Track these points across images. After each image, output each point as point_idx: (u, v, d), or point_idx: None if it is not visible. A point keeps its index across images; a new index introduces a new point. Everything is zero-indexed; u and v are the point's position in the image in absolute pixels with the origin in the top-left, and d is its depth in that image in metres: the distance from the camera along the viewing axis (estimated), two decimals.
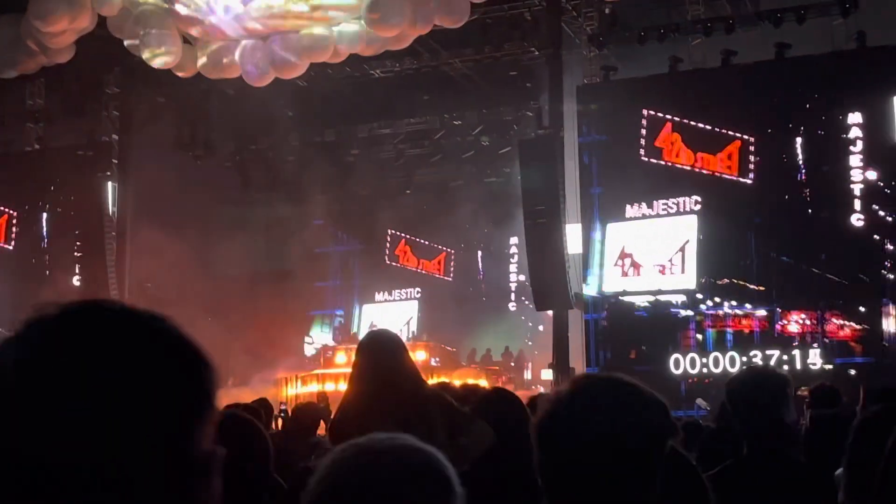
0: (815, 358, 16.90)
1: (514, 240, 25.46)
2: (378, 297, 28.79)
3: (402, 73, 21.68)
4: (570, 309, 17.98)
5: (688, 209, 18.26)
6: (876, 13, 17.39)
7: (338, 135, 24.53)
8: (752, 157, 18.05)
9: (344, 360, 22.98)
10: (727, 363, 17.20)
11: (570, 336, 18.01)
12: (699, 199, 18.27)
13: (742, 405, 3.62)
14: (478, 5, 17.44)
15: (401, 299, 28.65)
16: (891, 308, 16.86)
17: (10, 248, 23.37)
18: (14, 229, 23.46)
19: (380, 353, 4.73)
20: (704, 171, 18.32)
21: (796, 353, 17.05)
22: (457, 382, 8.42)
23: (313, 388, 21.05)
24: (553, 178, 17.88)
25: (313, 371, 22.52)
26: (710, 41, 18.57)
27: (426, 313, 27.68)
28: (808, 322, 17.41)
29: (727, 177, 18.20)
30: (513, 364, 24.11)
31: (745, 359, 17.01)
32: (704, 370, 17.46)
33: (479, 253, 27.95)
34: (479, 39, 20.25)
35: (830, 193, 17.38)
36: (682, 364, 17.62)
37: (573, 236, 18.32)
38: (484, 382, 17.39)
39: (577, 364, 17.71)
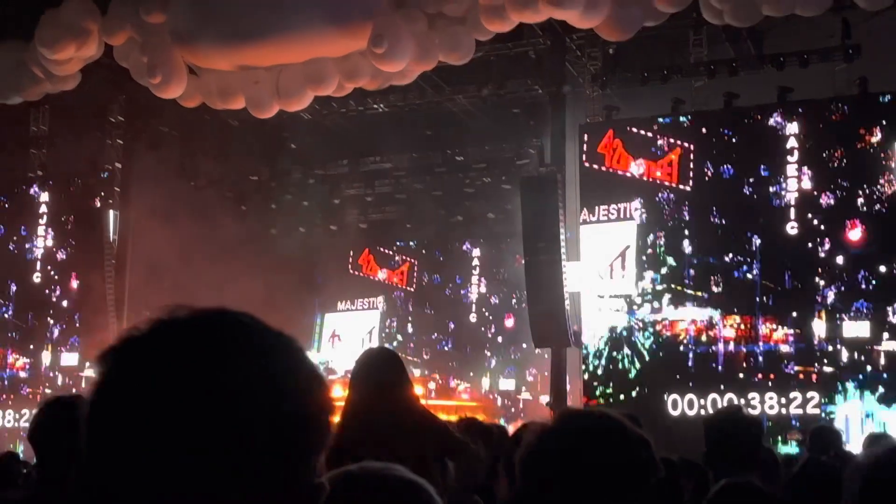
0: None
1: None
2: (340, 306, 28.77)
3: (406, 108, 21.79)
4: (568, 346, 17.96)
5: (628, 216, 18.62)
6: (877, 60, 17.51)
7: (339, 168, 24.61)
8: (691, 165, 18.38)
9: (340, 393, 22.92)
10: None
11: (569, 374, 18.00)
12: (641, 201, 18.63)
13: (718, 443, 3.67)
14: (482, 43, 17.56)
15: (363, 308, 28.64)
16: (822, 314, 17.28)
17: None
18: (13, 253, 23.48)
19: (375, 368, 4.74)
20: (645, 179, 18.66)
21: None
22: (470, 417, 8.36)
23: None
24: (553, 215, 17.92)
25: None
26: (712, 83, 18.70)
27: (388, 323, 27.90)
28: (742, 326, 17.76)
29: (667, 184, 18.50)
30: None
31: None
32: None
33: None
34: (482, 76, 20.38)
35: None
36: (679, 404, 17.60)
37: (573, 274, 18.31)
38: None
39: (577, 402, 17.68)
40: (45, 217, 23.05)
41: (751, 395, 17.17)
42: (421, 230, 26.48)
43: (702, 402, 17.51)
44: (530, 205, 18.29)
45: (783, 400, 17.10)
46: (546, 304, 17.74)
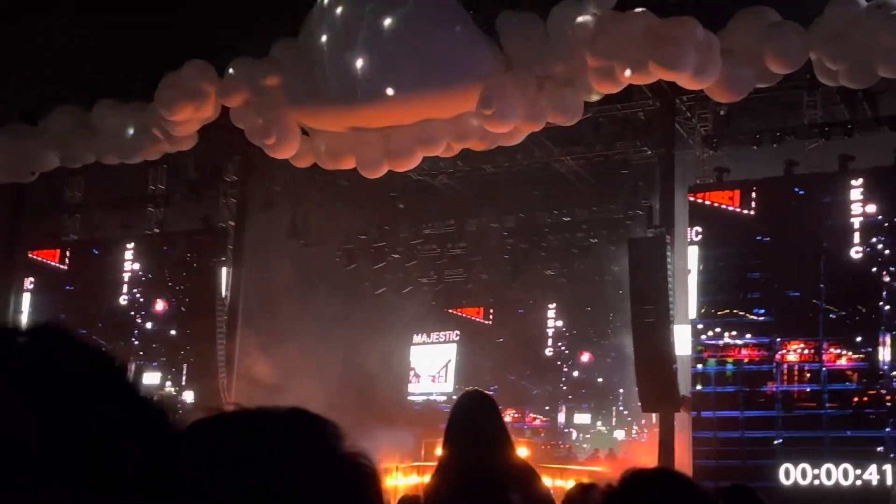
0: None
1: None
2: (416, 339, 28.73)
3: (513, 169, 21.86)
4: (677, 411, 17.62)
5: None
6: None
7: (447, 227, 24.77)
8: (754, 194, 18.23)
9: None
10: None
11: (677, 438, 17.63)
12: (699, 229, 18.39)
13: None
14: (591, 104, 17.58)
15: (439, 342, 28.56)
16: (887, 338, 16.80)
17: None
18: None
19: (473, 419, 4.65)
20: (705, 202, 18.55)
21: None
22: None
23: (413, 479, 20.95)
24: (662, 277, 17.70)
25: (413, 463, 22.42)
26: (826, 144, 18.38)
27: (464, 357, 27.78)
28: (806, 352, 17.44)
29: (728, 208, 18.24)
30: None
31: None
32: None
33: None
34: (591, 137, 20.37)
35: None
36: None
37: (682, 337, 18.03)
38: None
39: (684, 469, 17.25)
40: (158, 271, 23.63)
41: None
42: (521, 291, 26.44)
43: (815, 471, 16.96)
44: (638, 266, 18.10)
45: None
46: (654, 367, 17.48)
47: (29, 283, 25.02)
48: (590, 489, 5.92)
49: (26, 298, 25.02)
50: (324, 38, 17.11)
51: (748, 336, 18.02)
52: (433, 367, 28.98)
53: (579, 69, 16.26)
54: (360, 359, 23.94)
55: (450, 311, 28.98)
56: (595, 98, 17.06)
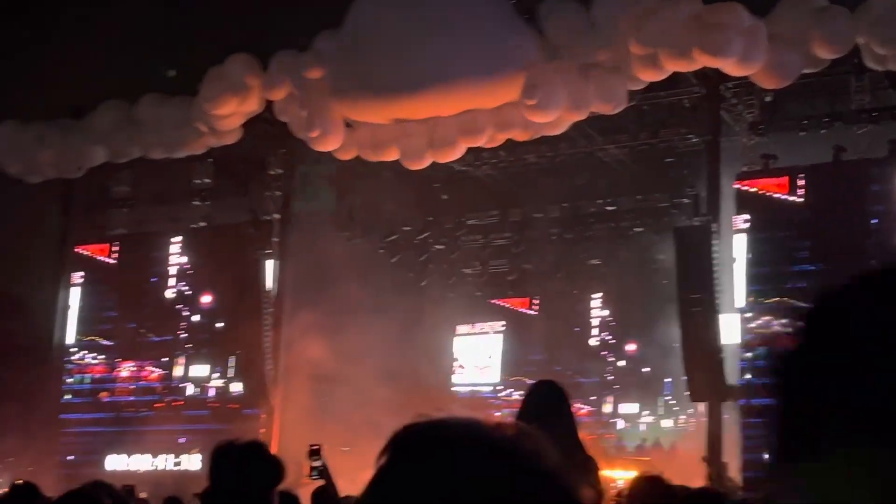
0: None
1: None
2: (461, 329, 28.67)
3: (557, 158, 21.75)
4: (725, 400, 17.48)
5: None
6: None
7: (490, 218, 24.71)
8: (801, 181, 18.12)
9: None
10: None
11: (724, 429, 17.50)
12: (747, 217, 18.21)
13: None
14: (635, 92, 17.46)
15: (483, 333, 28.49)
16: None
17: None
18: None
19: (542, 404, 4.60)
20: (752, 189, 18.38)
21: None
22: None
23: None
24: (709, 266, 17.56)
25: None
26: (875, 129, 18.11)
27: (509, 347, 27.71)
28: None
29: (775, 195, 18.06)
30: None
31: None
32: None
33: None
34: (635, 126, 20.22)
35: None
36: None
37: (730, 326, 17.87)
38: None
39: (732, 460, 17.15)
40: (205, 264, 23.79)
41: None
42: (567, 281, 26.33)
43: None
44: (684, 255, 17.98)
45: None
46: (702, 356, 17.35)
47: (78, 277, 25.29)
48: (653, 481, 5.76)
49: (75, 293, 25.30)
50: (367, 30, 17.13)
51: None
52: (478, 357, 28.94)
53: (623, 57, 16.15)
54: (404, 350, 23.96)
55: (494, 301, 28.91)
56: (639, 86, 16.93)
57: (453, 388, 29.01)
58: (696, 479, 18.38)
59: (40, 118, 22.61)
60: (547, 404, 4.64)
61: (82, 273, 25.26)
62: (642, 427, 26.75)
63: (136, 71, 22.38)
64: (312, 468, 5.53)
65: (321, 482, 5.66)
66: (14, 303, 25.38)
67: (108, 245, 25.18)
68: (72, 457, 23.47)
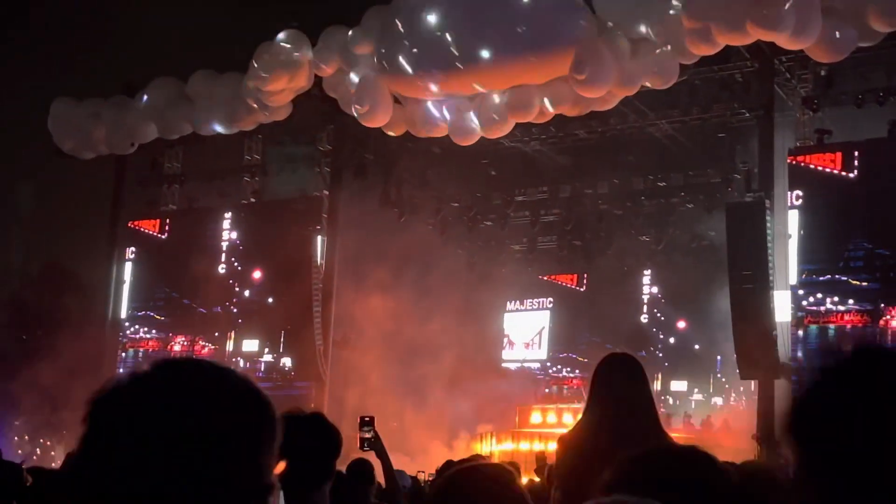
0: None
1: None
2: (510, 306, 28.65)
3: (607, 134, 21.59)
4: (776, 378, 17.33)
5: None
6: None
7: (540, 194, 24.61)
8: (856, 156, 17.85)
9: (539, 419, 22.87)
10: None
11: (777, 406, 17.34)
12: (800, 193, 18.04)
13: None
14: (687, 66, 17.25)
15: (532, 309, 28.45)
16: None
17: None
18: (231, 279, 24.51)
19: (616, 382, 4.14)
20: (806, 165, 18.21)
21: None
22: None
23: (508, 446, 21.01)
24: (761, 242, 17.38)
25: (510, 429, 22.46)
26: None
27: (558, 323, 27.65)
28: None
29: (829, 170, 17.85)
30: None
31: None
32: None
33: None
34: (687, 101, 19.99)
35: None
36: None
37: (781, 303, 17.69)
38: None
39: None
40: (255, 239, 23.96)
41: None
42: (616, 258, 26.21)
43: None
44: (736, 231, 17.81)
45: None
46: (753, 333, 17.21)
47: (130, 252, 25.60)
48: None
49: (128, 268, 25.62)
50: (416, 6, 17.08)
51: (850, 302, 17.61)
52: (527, 333, 28.96)
53: (674, 31, 15.95)
54: (453, 326, 24.03)
55: (543, 277, 28.88)
56: (691, 60, 16.72)
57: (503, 364, 29.06)
58: (747, 457, 18.27)
59: (94, 95, 22.86)
60: (621, 381, 4.21)
61: (134, 248, 25.58)
62: (692, 406, 26.65)
63: (187, 48, 22.54)
64: (364, 439, 5.49)
65: (369, 453, 5.63)
66: (70, 277, 25.77)
67: (159, 220, 25.46)
68: None
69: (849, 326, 17.53)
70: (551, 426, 21.53)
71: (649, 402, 4.15)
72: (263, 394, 1.46)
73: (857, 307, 17.56)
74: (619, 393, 4.11)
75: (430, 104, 18.22)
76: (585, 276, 28.52)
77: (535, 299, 29.24)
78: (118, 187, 25.65)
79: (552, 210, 25.05)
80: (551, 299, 29.06)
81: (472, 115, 17.95)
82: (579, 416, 4.48)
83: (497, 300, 28.47)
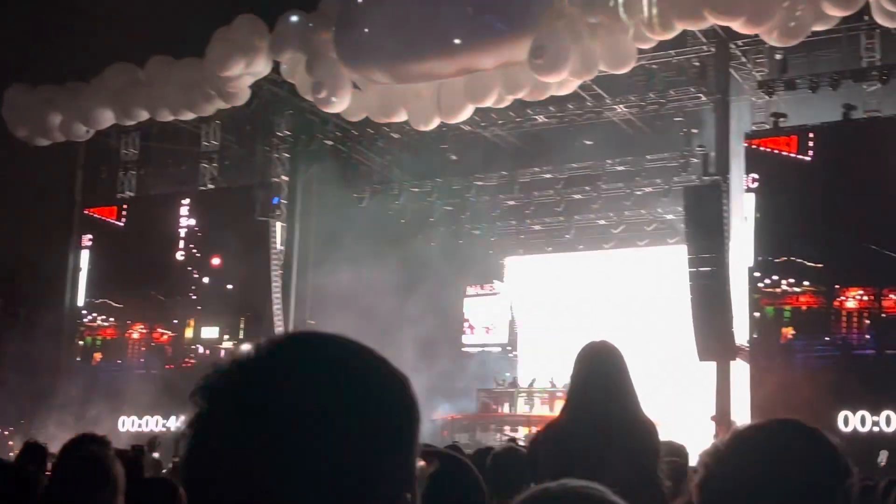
0: None
1: None
2: (470, 291, 28.81)
3: (565, 119, 21.68)
4: (733, 360, 17.53)
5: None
6: None
7: (500, 178, 24.66)
8: (811, 140, 18.09)
9: (502, 406, 22.98)
10: None
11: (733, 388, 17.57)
12: (756, 176, 18.24)
13: None
14: (644, 51, 17.35)
15: (492, 293, 28.63)
16: None
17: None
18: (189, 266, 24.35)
19: (595, 371, 4.18)
20: (762, 148, 18.39)
21: None
22: None
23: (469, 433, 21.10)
24: (718, 225, 17.54)
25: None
26: (885, 88, 18.00)
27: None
28: (865, 298, 17.33)
29: (785, 154, 18.09)
30: None
31: None
32: None
33: None
34: (643, 85, 20.10)
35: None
36: None
37: (738, 285, 17.88)
38: None
39: (741, 420, 17.21)
40: (214, 226, 23.83)
41: None
42: (576, 240, 26.32)
43: (875, 418, 16.84)
44: (694, 214, 17.95)
45: None
46: (710, 316, 17.38)
47: (87, 240, 25.37)
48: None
49: (85, 255, 25.39)
50: None
51: (806, 283, 17.83)
52: (487, 318, 29.00)
53: (632, 16, 16.01)
54: (414, 310, 24.04)
55: (503, 262, 28.94)
56: (648, 45, 16.82)
57: (464, 349, 29.10)
58: (706, 438, 18.50)
59: (49, 81, 22.60)
60: (601, 369, 4.24)
61: (91, 236, 25.35)
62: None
63: (144, 34, 22.31)
64: None
65: None
66: (26, 265, 25.50)
67: (116, 208, 25.23)
68: (84, 418, 23.65)
69: (804, 307, 17.77)
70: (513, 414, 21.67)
71: (627, 387, 4.19)
72: (403, 375, 1.32)
73: (812, 289, 17.78)
74: (597, 381, 4.14)
75: (387, 89, 18.20)
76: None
77: (496, 283, 29.29)
78: (73, 174, 25.39)
79: (512, 194, 25.10)
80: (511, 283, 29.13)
81: (431, 101, 17.94)
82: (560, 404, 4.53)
83: (458, 285, 28.48)
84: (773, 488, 1.91)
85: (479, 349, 29.14)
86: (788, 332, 17.83)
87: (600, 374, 4.16)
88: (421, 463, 1.29)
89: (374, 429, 1.22)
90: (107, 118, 22.10)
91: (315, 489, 1.17)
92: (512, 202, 25.27)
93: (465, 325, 29.26)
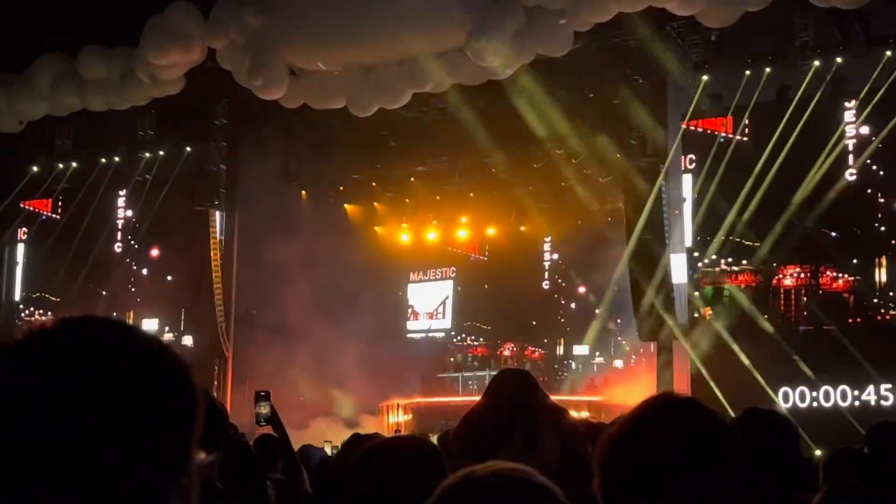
0: None
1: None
2: (413, 276, 28.88)
3: (505, 102, 21.61)
4: (674, 339, 17.70)
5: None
6: None
7: (440, 164, 24.63)
8: (747, 120, 18.38)
9: (444, 389, 23.02)
10: None
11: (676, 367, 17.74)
12: (693, 157, 18.43)
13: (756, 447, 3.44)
14: (581, 34, 17.37)
15: (436, 279, 28.72)
16: (883, 260, 17.26)
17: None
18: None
19: (511, 382, 4.34)
20: (698, 129, 18.72)
21: None
22: None
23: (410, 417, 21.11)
24: (658, 206, 17.67)
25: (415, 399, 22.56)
26: (819, 68, 18.19)
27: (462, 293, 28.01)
28: (802, 276, 17.73)
29: (721, 134, 18.41)
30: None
31: None
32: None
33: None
34: (581, 68, 20.11)
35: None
36: None
37: (678, 266, 18.03)
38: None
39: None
40: (152, 217, 23.55)
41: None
42: (517, 225, 26.43)
43: (814, 394, 17.11)
44: (633, 197, 18.07)
45: None
46: (651, 295, 17.52)
47: (22, 233, 24.95)
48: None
49: (20, 249, 24.97)
50: None
51: (744, 262, 18.03)
52: (431, 304, 29.04)
53: None
54: (357, 298, 24.00)
55: (445, 248, 28.98)
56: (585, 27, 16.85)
57: (408, 335, 29.13)
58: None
59: None
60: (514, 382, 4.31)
61: (26, 229, 24.95)
62: (594, 369, 27.06)
63: (76, 23, 21.91)
64: (259, 415, 5.42)
65: (268, 428, 5.57)
66: None
67: (51, 200, 24.83)
68: None
69: (742, 286, 17.98)
70: (455, 395, 21.70)
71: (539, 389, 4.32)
72: (183, 361, 1.33)
73: (750, 267, 17.98)
74: (511, 382, 4.25)
75: (325, 76, 18.06)
76: (487, 245, 28.68)
77: (439, 269, 29.33)
78: (6, 167, 24.90)
79: (453, 180, 25.09)
80: (454, 269, 29.17)
81: (368, 86, 17.84)
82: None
83: (401, 271, 28.47)
84: (669, 460, 1.99)
85: (424, 334, 29.20)
86: (707, 311, 18.04)
87: (513, 383, 4.30)
88: (201, 454, 1.32)
89: (137, 413, 1.24)
90: (40, 109, 21.69)
91: (70, 470, 1.21)
92: (452, 188, 25.29)
93: (409, 311, 29.29)
